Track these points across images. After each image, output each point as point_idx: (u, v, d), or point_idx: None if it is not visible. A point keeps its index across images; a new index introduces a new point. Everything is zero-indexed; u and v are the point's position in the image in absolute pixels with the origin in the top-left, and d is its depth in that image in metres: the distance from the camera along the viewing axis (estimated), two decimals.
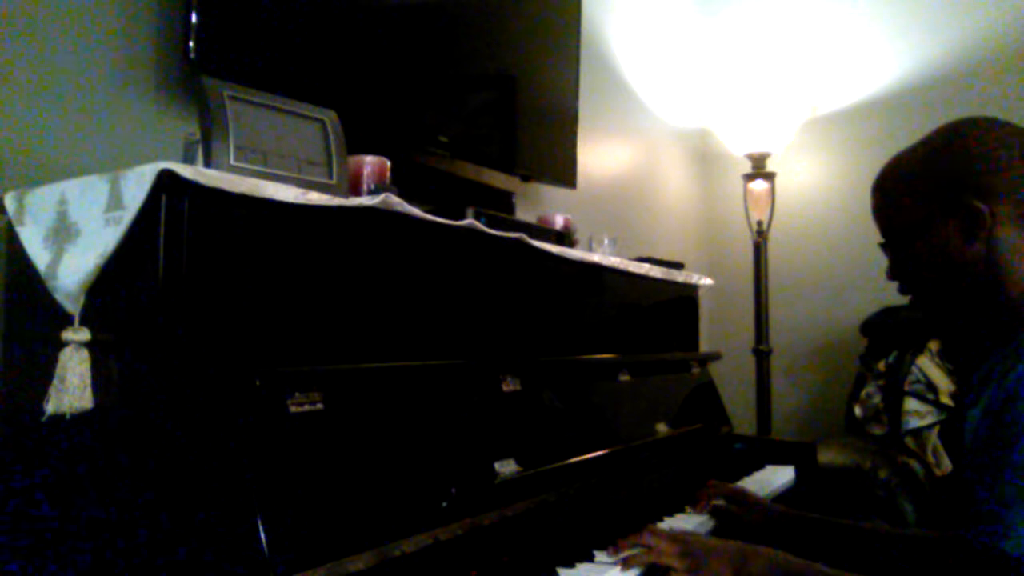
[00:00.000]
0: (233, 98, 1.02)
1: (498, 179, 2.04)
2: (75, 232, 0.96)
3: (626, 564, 1.10)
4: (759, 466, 1.85)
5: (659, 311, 2.02)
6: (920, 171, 1.07)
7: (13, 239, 1.05)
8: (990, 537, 0.91)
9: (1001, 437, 0.93)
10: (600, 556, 1.14)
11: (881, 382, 2.57)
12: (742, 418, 2.95)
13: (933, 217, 1.05)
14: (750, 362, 3.04)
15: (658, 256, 2.04)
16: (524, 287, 1.46)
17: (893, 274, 1.13)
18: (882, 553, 1.22)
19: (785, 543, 1.19)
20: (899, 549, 1.22)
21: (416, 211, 1.16)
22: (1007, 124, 1.06)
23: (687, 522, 1.39)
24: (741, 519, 1.40)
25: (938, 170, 1.05)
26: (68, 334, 0.93)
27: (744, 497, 1.44)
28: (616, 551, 1.13)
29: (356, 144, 1.23)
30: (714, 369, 2.18)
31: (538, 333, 1.48)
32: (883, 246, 1.14)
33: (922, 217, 1.06)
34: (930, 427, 2.43)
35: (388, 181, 1.28)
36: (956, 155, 1.05)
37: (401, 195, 1.14)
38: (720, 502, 1.45)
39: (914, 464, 2.38)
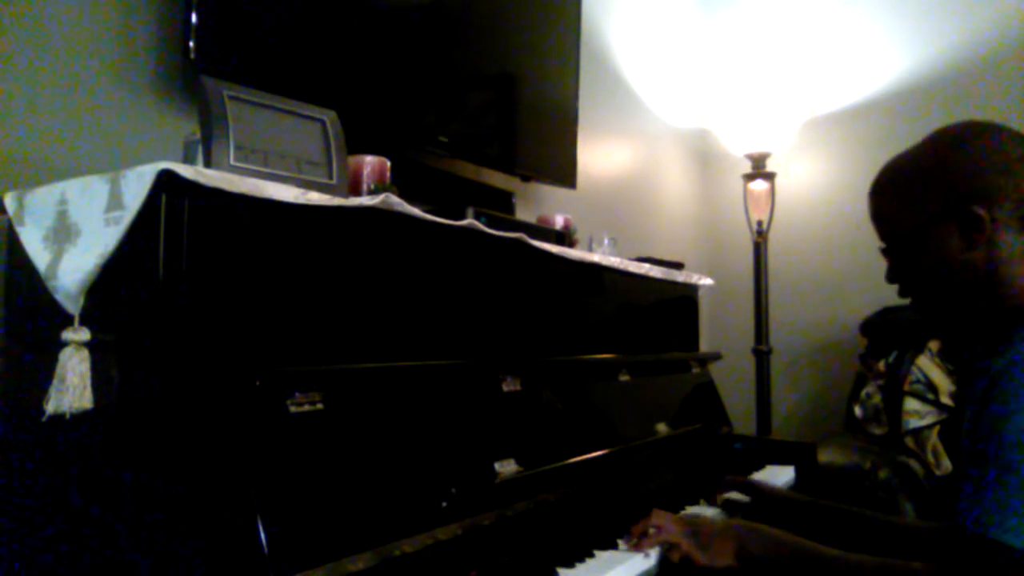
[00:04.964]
0: (233, 98, 1.02)
1: (498, 179, 2.04)
2: (75, 232, 0.96)
3: (640, 547, 1.15)
4: (759, 466, 1.85)
5: (659, 311, 2.02)
6: (919, 176, 1.07)
7: (13, 239, 1.05)
8: (977, 527, 0.91)
9: (985, 426, 0.94)
10: (600, 555, 1.14)
11: (881, 382, 2.57)
12: (742, 418, 2.95)
13: (933, 222, 1.04)
14: (750, 362, 3.04)
15: (658, 256, 2.04)
16: (524, 287, 1.46)
17: (893, 278, 1.13)
18: (879, 538, 1.26)
19: (793, 530, 1.22)
20: (897, 536, 1.25)
21: (416, 211, 1.16)
22: (1004, 128, 1.05)
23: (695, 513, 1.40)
24: (752, 510, 1.43)
25: (937, 175, 1.05)
26: (68, 334, 0.93)
27: (758, 489, 1.47)
28: (629, 539, 1.18)
29: (356, 144, 1.23)
30: (714, 369, 2.18)
31: (538, 333, 1.48)
32: (883, 251, 1.14)
33: (922, 222, 1.05)
34: (930, 427, 2.43)
35: (388, 181, 1.28)
36: (955, 160, 1.04)
37: (401, 195, 1.14)
38: (734, 496, 1.49)
39: (914, 464, 2.38)
